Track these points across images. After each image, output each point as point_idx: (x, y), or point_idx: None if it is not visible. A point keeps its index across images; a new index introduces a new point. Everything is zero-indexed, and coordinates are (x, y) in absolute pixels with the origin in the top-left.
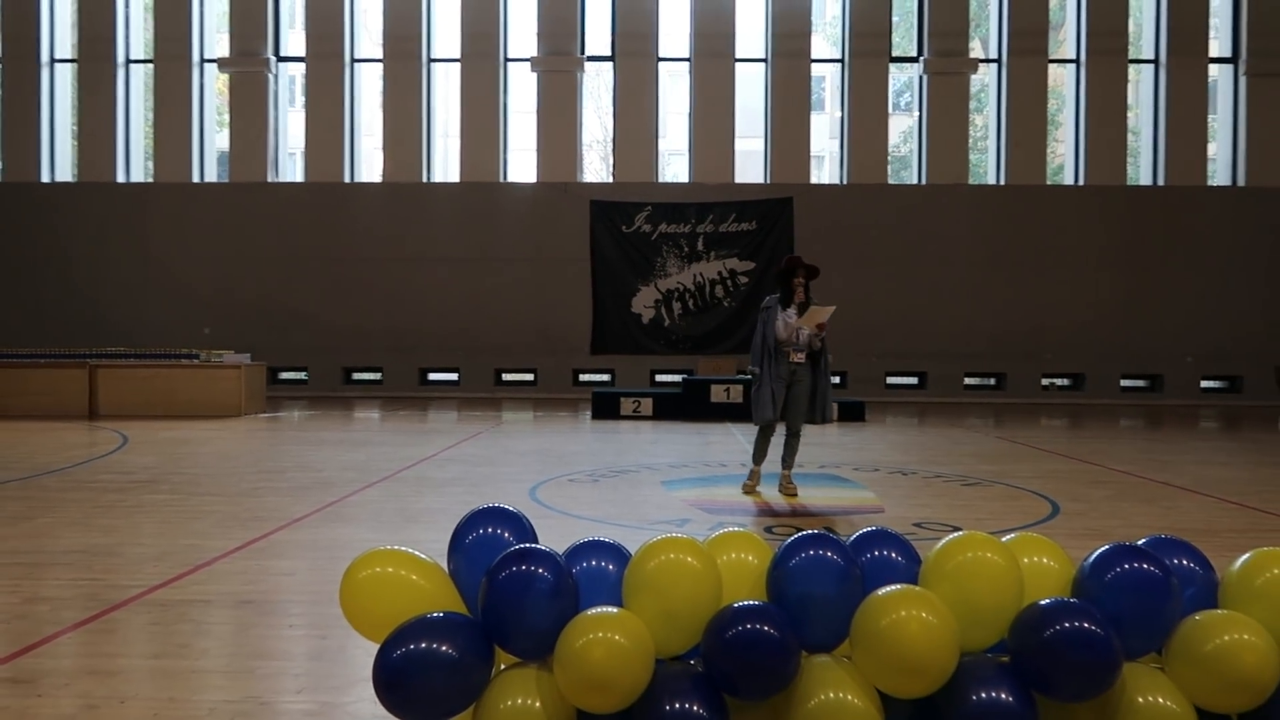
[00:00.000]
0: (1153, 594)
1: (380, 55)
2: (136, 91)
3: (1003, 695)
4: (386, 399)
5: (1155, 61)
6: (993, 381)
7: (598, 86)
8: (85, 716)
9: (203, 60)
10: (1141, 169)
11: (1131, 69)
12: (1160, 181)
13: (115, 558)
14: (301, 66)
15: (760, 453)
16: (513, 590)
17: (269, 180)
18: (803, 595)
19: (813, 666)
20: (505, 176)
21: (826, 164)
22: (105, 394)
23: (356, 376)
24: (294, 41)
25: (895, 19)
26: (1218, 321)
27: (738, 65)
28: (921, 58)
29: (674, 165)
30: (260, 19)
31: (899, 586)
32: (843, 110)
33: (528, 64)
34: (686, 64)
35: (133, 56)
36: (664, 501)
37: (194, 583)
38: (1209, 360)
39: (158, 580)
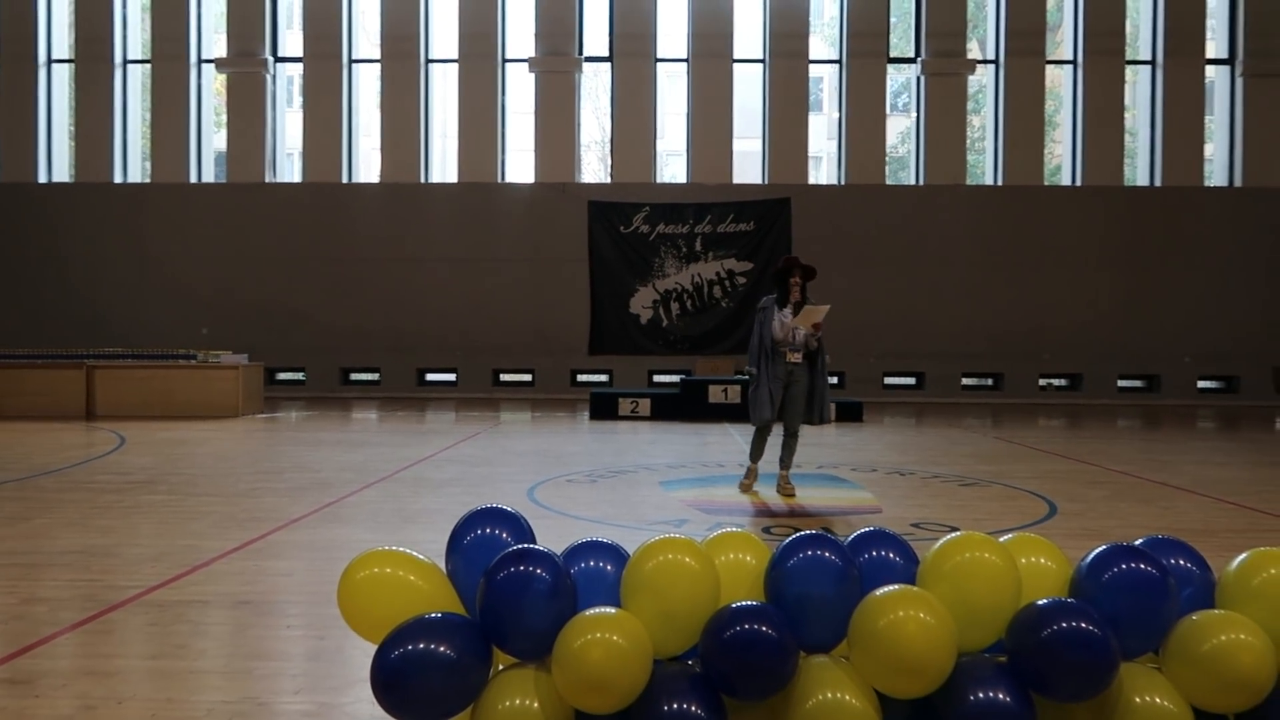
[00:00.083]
0: (1150, 594)
1: (378, 56)
2: (134, 92)
3: (1000, 695)
4: (384, 399)
5: (1152, 62)
6: (990, 382)
7: (596, 87)
8: (83, 717)
9: (200, 61)
10: (1139, 170)
11: (1129, 70)
12: (1157, 182)
13: (113, 558)
14: (299, 67)
15: (757, 451)
16: (511, 591)
17: (267, 181)
18: (801, 595)
19: (811, 667)
20: (503, 177)
21: (824, 164)
22: (102, 394)
23: (354, 377)
24: (292, 42)
25: (893, 20)
26: (1215, 322)
27: (736, 66)
28: (919, 59)
29: (672, 166)
30: (258, 19)
31: (897, 587)
32: (840, 111)
33: (526, 64)
34: (684, 64)
35: (130, 57)
36: (662, 502)
37: (191, 583)
38: (1206, 360)
39: (155, 581)
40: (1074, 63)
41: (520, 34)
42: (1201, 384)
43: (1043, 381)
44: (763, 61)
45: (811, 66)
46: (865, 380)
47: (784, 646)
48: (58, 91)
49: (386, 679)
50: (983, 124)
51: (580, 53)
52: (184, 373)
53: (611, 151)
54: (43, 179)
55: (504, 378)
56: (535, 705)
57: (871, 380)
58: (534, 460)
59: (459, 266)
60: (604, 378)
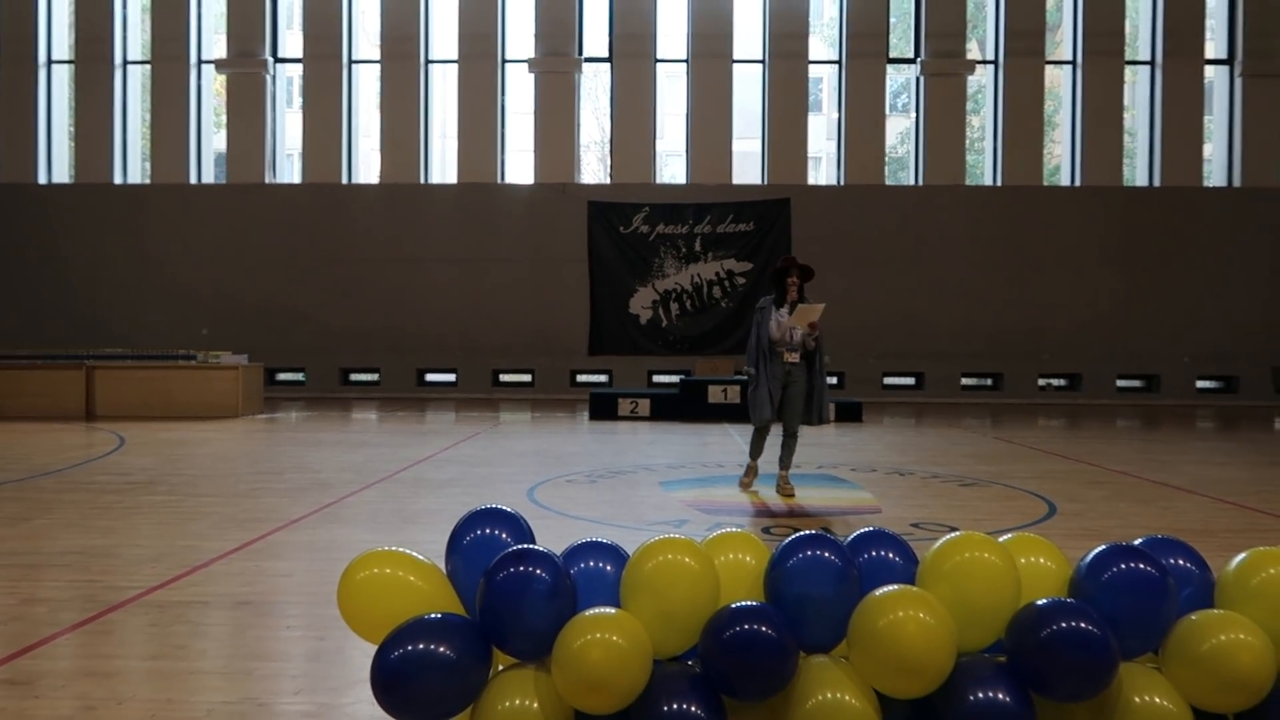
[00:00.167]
0: (1149, 594)
1: (378, 56)
2: (134, 92)
3: (1000, 695)
4: (384, 400)
5: (1151, 63)
6: (990, 382)
7: (595, 87)
8: (83, 718)
9: (200, 61)
10: (1138, 170)
11: (1128, 70)
12: (1156, 182)
13: (112, 559)
14: (299, 67)
15: (757, 449)
16: (511, 591)
17: (266, 181)
18: (800, 596)
19: (810, 667)
20: (503, 178)
21: (824, 165)
22: (102, 395)
23: (354, 377)
24: (291, 42)
25: (892, 20)
26: (1214, 322)
27: (735, 66)
28: (919, 59)
29: (671, 166)
30: (258, 20)
31: (896, 587)
32: (840, 111)
33: (525, 65)
34: (684, 65)
35: (130, 58)
36: (661, 502)
37: (191, 584)
38: (1206, 360)
39: (155, 581)
40: (1073, 63)
41: (520, 34)
42: (1201, 384)
43: (1042, 381)
44: (762, 62)
45: (811, 67)
46: (865, 380)
47: (784, 647)
48: (58, 92)
49: (386, 679)
50: (982, 124)
51: (580, 53)
52: (184, 373)
53: (611, 152)
54: (43, 180)
55: (504, 378)
56: (535, 705)
57: (871, 380)
58: (534, 460)
59: (459, 267)
60: (603, 378)
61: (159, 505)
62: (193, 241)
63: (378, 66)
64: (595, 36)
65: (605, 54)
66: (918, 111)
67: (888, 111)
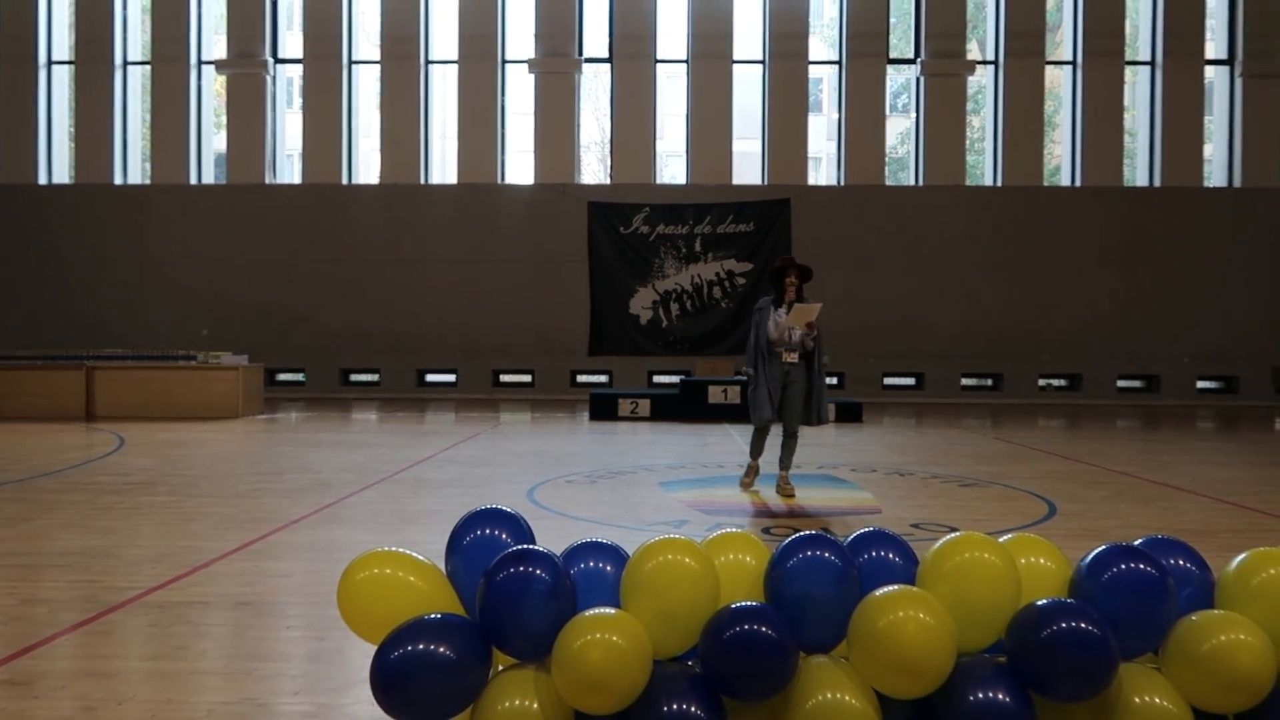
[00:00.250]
0: (1149, 594)
1: (378, 57)
2: (134, 93)
3: (1000, 696)
4: (384, 400)
5: (1151, 63)
6: (990, 382)
7: (595, 88)
8: (83, 718)
9: (200, 62)
10: (1138, 170)
11: (1128, 70)
12: (1157, 183)
13: (112, 559)
14: (299, 68)
15: (757, 449)
16: (510, 591)
17: (266, 182)
18: (800, 596)
19: (810, 667)
20: (503, 178)
21: (824, 165)
22: (102, 396)
23: (354, 378)
24: (292, 43)
25: (893, 20)
26: (1214, 322)
27: (735, 67)
28: (919, 59)
29: (672, 167)
30: (258, 21)
31: (896, 587)
32: (840, 112)
33: (525, 65)
34: (684, 65)
35: (130, 58)
36: (662, 502)
37: (191, 584)
38: (1206, 361)
39: (155, 582)
40: (1073, 63)
41: (520, 35)
42: (1201, 384)
43: (1042, 382)
44: (762, 62)
45: (811, 67)
46: (865, 380)
47: (784, 647)
48: (58, 93)
49: (386, 680)
50: (982, 125)
51: (580, 54)
52: (184, 374)
53: (611, 152)
54: (43, 180)
55: (504, 378)
56: (535, 706)
57: (871, 380)
58: (533, 461)
59: (459, 267)
60: (604, 378)
61: (159, 506)
62: (193, 242)
63: (378, 67)
64: (595, 37)
65: (605, 54)
66: (918, 112)
67: (888, 112)
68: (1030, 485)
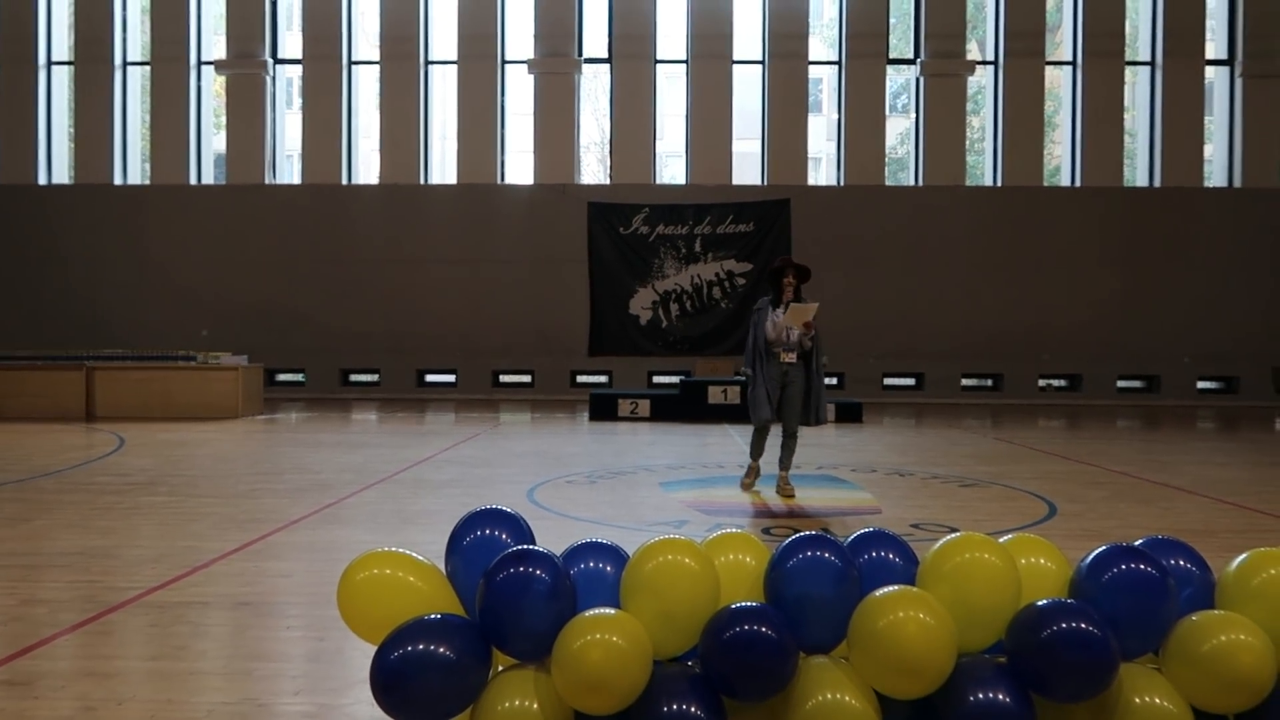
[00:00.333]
0: (1149, 595)
1: (378, 57)
2: (134, 94)
3: (1000, 696)
4: (384, 400)
5: (1151, 63)
6: (990, 382)
7: (595, 88)
8: (83, 718)
9: (200, 62)
10: (1138, 170)
11: (1128, 71)
12: (1157, 183)
13: (112, 560)
14: (299, 68)
15: (757, 449)
16: (510, 592)
17: (266, 182)
18: (800, 596)
19: (810, 667)
20: (503, 178)
21: (824, 166)
22: (102, 396)
23: (354, 378)
24: (291, 43)
25: (892, 21)
26: (1215, 322)
27: (735, 67)
28: (918, 60)
29: (671, 167)
30: (257, 21)
31: (896, 587)
32: (840, 112)
33: (525, 66)
34: (684, 66)
35: (130, 59)
36: (662, 503)
37: (191, 584)
38: (1206, 361)
39: (155, 582)
40: (1073, 63)
41: (520, 35)
42: (1201, 384)
43: (1042, 382)
44: (762, 63)
45: (811, 67)
46: (865, 381)
47: (784, 647)
48: (57, 93)
49: (386, 680)
50: (982, 125)
51: (580, 54)
52: (184, 374)
53: (611, 153)
54: (43, 180)
55: (503, 379)
56: (535, 706)
57: (871, 381)
58: (533, 461)
59: (459, 268)
60: (604, 379)
61: (159, 506)
62: (192, 242)
63: (377, 67)
64: (595, 37)
65: (605, 55)
66: (917, 112)
67: (888, 112)
68: (1030, 485)
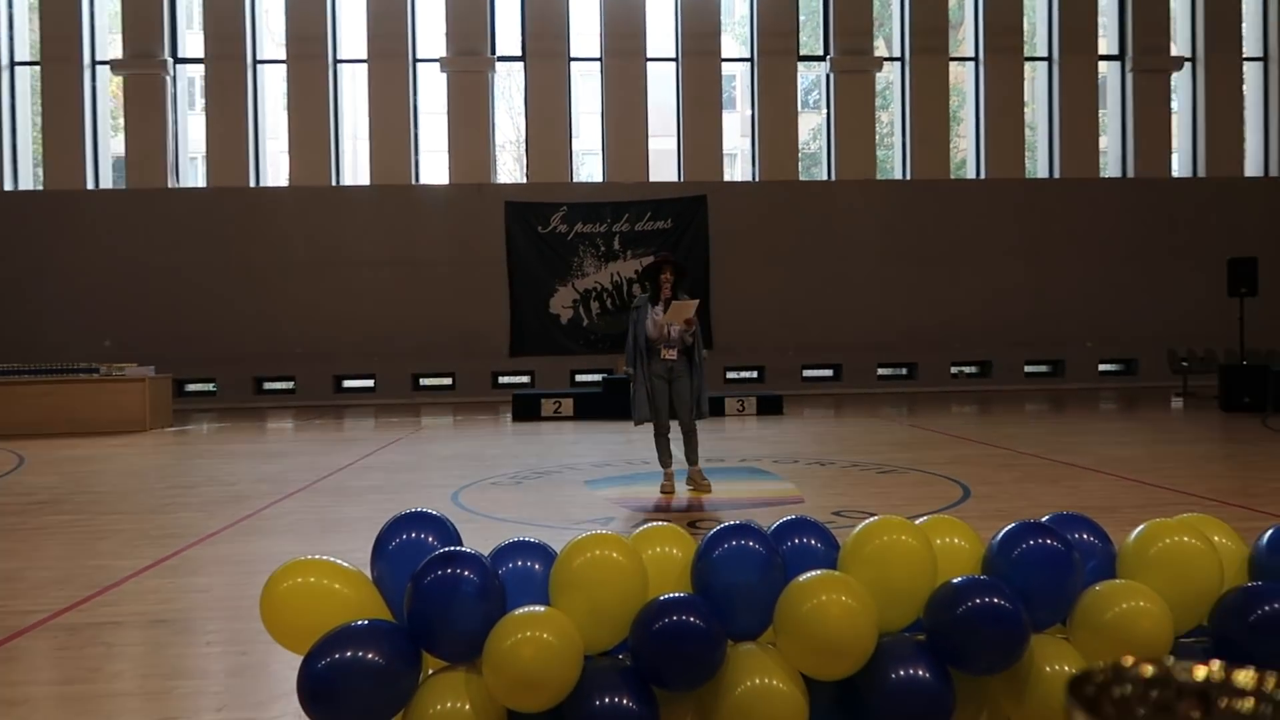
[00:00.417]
0: (1057, 568)
1: (283, 56)
2: (23, 95)
3: (921, 672)
4: (300, 408)
5: (1049, 59)
6: (905, 371)
7: (509, 86)
8: None
9: (94, 62)
10: (1039, 162)
11: (1027, 66)
12: (1056, 174)
13: (16, 582)
14: (200, 68)
15: (664, 455)
16: (439, 594)
17: (170, 186)
18: (727, 585)
19: (738, 654)
20: (418, 179)
21: (739, 162)
22: None
23: (268, 386)
24: (192, 42)
25: (802, 18)
26: (1114, 308)
27: (649, 64)
28: (828, 56)
29: (588, 165)
30: (155, 20)
31: (819, 572)
32: (753, 108)
33: (437, 64)
34: (598, 63)
35: (17, 58)
36: (588, 501)
37: (103, 604)
38: (1107, 344)
39: (63, 604)
40: (975, 59)
41: (431, 33)
42: (1103, 367)
43: (954, 370)
44: (675, 60)
45: (724, 65)
46: (784, 373)
47: (713, 636)
48: None
49: (314, 688)
50: (891, 120)
51: (493, 52)
52: (86, 387)
53: (527, 151)
54: None
55: (424, 382)
56: (467, 707)
57: (790, 373)
58: (457, 464)
59: (375, 270)
60: (526, 379)
61: (65, 525)
62: (92, 249)
63: (284, 66)
64: (508, 35)
65: (518, 53)
66: (829, 108)
67: (800, 108)
68: (945, 470)
